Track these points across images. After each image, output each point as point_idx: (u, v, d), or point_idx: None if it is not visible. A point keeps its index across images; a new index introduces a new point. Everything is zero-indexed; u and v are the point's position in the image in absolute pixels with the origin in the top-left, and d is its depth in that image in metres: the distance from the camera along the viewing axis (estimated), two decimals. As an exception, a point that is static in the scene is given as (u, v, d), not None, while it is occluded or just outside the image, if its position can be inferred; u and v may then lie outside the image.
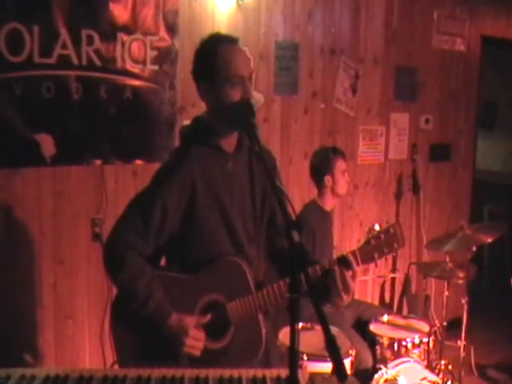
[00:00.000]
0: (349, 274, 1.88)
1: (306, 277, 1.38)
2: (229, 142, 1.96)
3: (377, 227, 1.93)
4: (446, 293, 3.69)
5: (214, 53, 1.86)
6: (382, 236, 1.91)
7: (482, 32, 4.95)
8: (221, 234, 1.94)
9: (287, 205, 1.52)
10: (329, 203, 3.40)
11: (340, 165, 3.33)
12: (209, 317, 1.90)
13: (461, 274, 3.48)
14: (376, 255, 1.91)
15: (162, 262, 2.07)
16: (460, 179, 5.14)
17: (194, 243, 1.92)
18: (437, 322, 3.66)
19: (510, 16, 5.14)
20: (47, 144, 2.79)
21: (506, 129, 7.05)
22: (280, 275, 2.04)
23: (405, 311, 4.49)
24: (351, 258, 1.90)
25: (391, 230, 1.91)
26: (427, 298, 4.72)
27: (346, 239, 4.30)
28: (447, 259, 3.50)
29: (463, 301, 3.46)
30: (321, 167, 3.35)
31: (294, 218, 1.48)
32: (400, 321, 3.43)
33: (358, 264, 1.90)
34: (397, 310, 4.53)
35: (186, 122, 3.20)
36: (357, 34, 4.07)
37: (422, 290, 4.72)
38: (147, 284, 1.85)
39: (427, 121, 4.67)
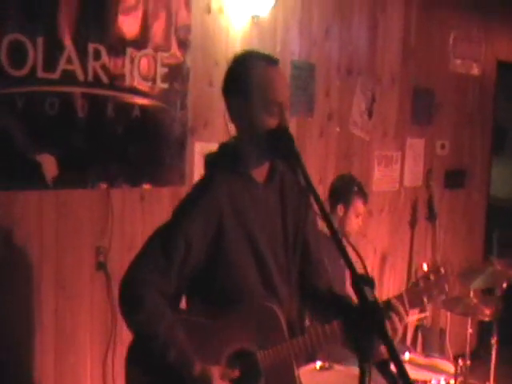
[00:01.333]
0: (396, 319, 1.66)
1: (386, 341, 1.16)
2: (260, 172, 1.76)
3: (425, 267, 1.73)
4: (470, 330, 3.49)
5: (252, 74, 1.67)
6: (432, 277, 1.72)
7: (497, 56, 4.84)
8: (250, 270, 1.72)
9: (349, 254, 1.31)
10: None
11: (358, 205, 3.08)
12: (238, 372, 1.67)
13: (486, 311, 3.27)
14: (425, 299, 1.71)
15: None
16: (474, 206, 5.01)
17: (219, 280, 1.71)
18: (460, 361, 3.42)
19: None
20: (49, 165, 2.58)
21: (515, 155, 6.93)
22: (314, 316, 1.84)
23: (419, 345, 4.28)
24: (397, 302, 1.68)
25: (442, 270, 1.72)
26: (442, 331, 4.51)
27: (359, 267, 4.08)
28: (471, 294, 3.30)
29: (493, 341, 3.24)
30: (338, 193, 3.11)
31: (362, 270, 1.26)
32: (422, 360, 3.20)
33: (405, 309, 1.68)
34: (411, 343, 4.31)
35: (199, 145, 3.05)
36: (374, 52, 3.94)
37: (436, 323, 4.52)
38: (169, 328, 1.63)
39: (443, 146, 4.52)
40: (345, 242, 1.43)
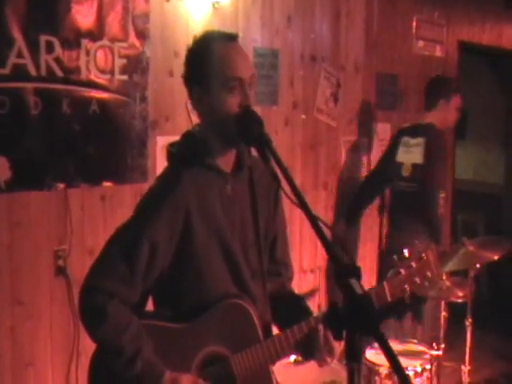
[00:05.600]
0: None
1: (379, 338, 1.06)
2: (226, 161, 1.66)
3: (406, 253, 1.66)
4: (444, 313, 3.46)
5: (209, 52, 1.57)
6: (414, 264, 1.66)
7: (459, 37, 4.85)
8: (221, 271, 1.64)
9: (331, 242, 1.20)
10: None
11: (457, 99, 3.56)
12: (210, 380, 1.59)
13: (460, 293, 3.26)
14: (407, 287, 1.65)
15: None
16: (441, 190, 4.98)
17: (188, 283, 1.62)
18: (434, 344, 3.42)
19: (484, 21, 5.05)
20: (1, 167, 2.43)
21: (476, 137, 7.00)
22: (276, 319, 1.77)
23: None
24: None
25: (424, 257, 1.65)
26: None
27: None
28: (444, 277, 3.27)
29: (467, 322, 3.23)
30: (438, 89, 3.56)
31: (347, 260, 1.16)
32: (397, 346, 3.19)
33: (386, 300, 1.63)
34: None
35: (161, 139, 2.93)
36: (337, 39, 3.87)
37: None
38: (134, 338, 1.53)
39: (409, 130, 4.49)
40: (325, 230, 1.31)
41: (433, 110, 3.56)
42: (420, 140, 3.54)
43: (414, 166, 3.56)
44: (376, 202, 4.17)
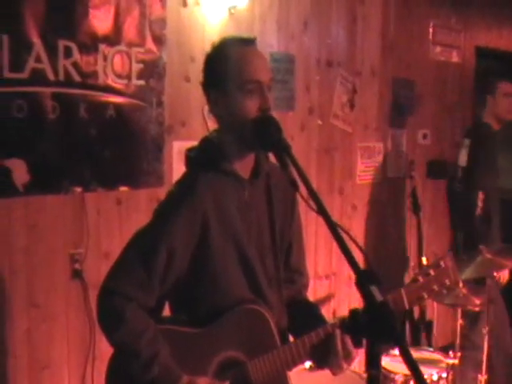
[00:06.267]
0: None
1: (399, 345, 1.05)
2: (244, 167, 1.65)
3: (424, 260, 1.64)
4: (460, 321, 3.43)
5: (226, 56, 1.57)
6: (432, 272, 1.63)
7: (475, 42, 4.81)
8: (237, 276, 1.63)
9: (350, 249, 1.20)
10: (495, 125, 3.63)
11: (503, 87, 3.55)
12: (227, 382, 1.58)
13: (477, 301, 3.22)
14: (425, 294, 1.63)
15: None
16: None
17: (204, 288, 1.62)
18: (451, 353, 3.38)
19: (501, 27, 5.02)
20: (19, 171, 2.46)
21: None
22: (290, 327, 1.76)
23: (407, 338, 4.23)
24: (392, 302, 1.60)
25: (442, 264, 1.63)
26: (430, 323, 4.47)
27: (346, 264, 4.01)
28: (460, 285, 3.24)
29: (484, 331, 3.19)
30: (483, 87, 3.67)
31: (365, 267, 1.15)
32: (413, 354, 3.14)
33: (403, 307, 1.61)
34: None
35: (177, 144, 2.94)
36: (353, 44, 3.85)
37: (423, 315, 4.48)
38: (151, 342, 1.53)
39: (425, 136, 4.46)
40: (344, 235, 1.31)
41: (485, 108, 3.66)
42: (467, 142, 3.62)
43: (462, 167, 3.64)
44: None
